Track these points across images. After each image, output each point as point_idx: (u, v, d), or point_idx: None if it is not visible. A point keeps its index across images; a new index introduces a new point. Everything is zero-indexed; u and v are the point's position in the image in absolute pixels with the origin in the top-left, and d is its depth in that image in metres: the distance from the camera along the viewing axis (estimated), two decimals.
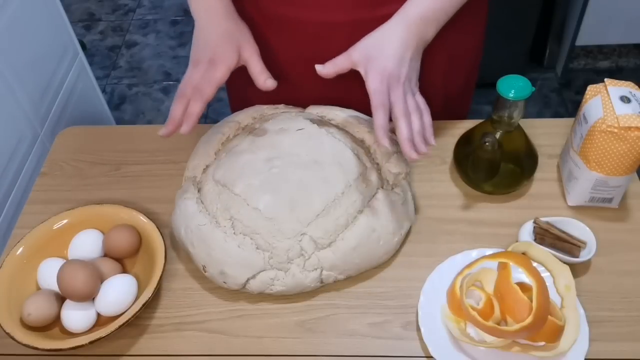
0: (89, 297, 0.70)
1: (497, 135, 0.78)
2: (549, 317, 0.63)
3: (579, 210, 0.81)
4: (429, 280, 0.73)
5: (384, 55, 0.72)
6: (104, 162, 0.92)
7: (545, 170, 0.85)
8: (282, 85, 0.81)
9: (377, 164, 0.81)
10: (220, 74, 0.77)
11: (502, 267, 0.66)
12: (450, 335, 0.68)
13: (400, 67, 0.72)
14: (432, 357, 0.67)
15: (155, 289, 0.70)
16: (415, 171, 0.86)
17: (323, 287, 0.75)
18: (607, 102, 0.73)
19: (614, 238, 0.78)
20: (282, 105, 0.88)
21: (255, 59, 0.80)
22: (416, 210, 0.82)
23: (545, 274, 0.66)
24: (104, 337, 0.67)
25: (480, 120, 0.84)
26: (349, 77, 0.75)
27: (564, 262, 0.68)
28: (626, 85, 0.75)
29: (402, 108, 0.70)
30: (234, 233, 0.73)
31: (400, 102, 0.70)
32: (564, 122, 0.90)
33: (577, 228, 0.76)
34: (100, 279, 0.72)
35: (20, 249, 0.75)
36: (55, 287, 0.71)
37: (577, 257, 0.74)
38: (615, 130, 0.72)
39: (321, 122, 0.82)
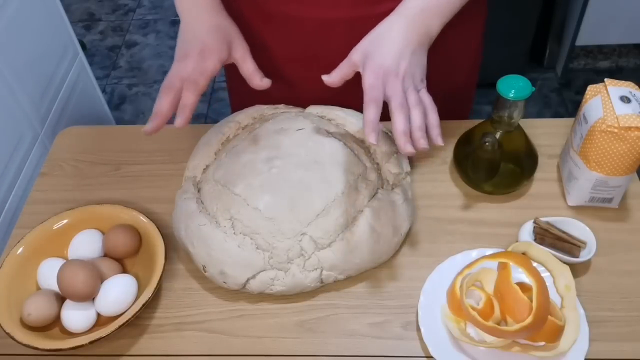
0: (89, 297, 0.70)
1: (497, 135, 0.78)
2: (549, 317, 0.63)
3: (579, 210, 0.81)
4: (429, 280, 0.73)
5: (382, 52, 0.69)
6: (104, 162, 0.92)
7: (545, 170, 0.85)
8: (282, 84, 0.81)
9: (377, 164, 0.81)
10: (212, 65, 0.75)
11: (502, 267, 0.66)
12: (450, 335, 0.68)
13: (399, 62, 0.69)
14: (432, 357, 0.67)
15: (155, 289, 0.70)
16: (415, 171, 0.86)
17: (323, 287, 0.75)
18: (607, 102, 0.73)
19: (614, 238, 0.78)
20: (282, 105, 0.88)
21: (248, 58, 0.78)
22: (416, 210, 0.82)
23: (545, 274, 0.66)
24: (104, 337, 0.67)
25: (480, 120, 0.84)
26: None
27: (564, 262, 0.68)
28: (626, 85, 0.75)
29: (400, 102, 0.66)
30: (234, 233, 0.73)
31: (398, 96, 0.66)
32: (564, 122, 0.90)
33: (577, 228, 0.76)
34: (100, 279, 0.72)
35: (20, 249, 0.75)
36: (55, 287, 0.71)
37: (577, 257, 0.74)
38: (615, 130, 0.72)
39: (321, 122, 0.82)
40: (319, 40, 0.82)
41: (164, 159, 0.91)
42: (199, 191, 0.79)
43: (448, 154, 0.87)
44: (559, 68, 2.21)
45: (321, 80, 0.75)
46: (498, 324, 0.65)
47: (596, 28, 2.05)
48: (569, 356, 0.66)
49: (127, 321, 0.68)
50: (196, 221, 0.74)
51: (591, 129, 0.74)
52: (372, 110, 0.66)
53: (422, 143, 0.66)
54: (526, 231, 0.76)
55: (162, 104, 0.72)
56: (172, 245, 0.80)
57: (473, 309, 0.65)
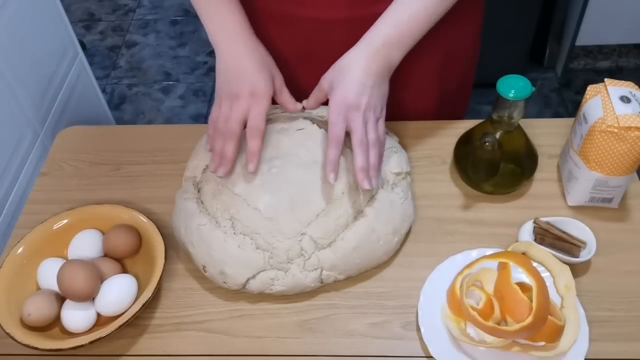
0: (89, 297, 0.70)
1: (497, 135, 0.78)
2: (549, 317, 0.63)
3: (579, 210, 0.81)
4: (429, 280, 0.73)
5: (345, 85, 0.72)
6: (104, 162, 0.92)
7: (545, 170, 0.85)
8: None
9: None
10: (266, 105, 0.76)
11: (502, 267, 0.66)
12: (450, 335, 0.68)
13: (361, 96, 0.71)
14: (432, 357, 0.67)
15: (155, 289, 0.70)
16: (415, 171, 0.86)
17: (323, 287, 0.75)
18: (607, 102, 0.73)
19: (614, 238, 0.78)
20: None
21: (285, 89, 0.80)
22: (416, 210, 0.82)
23: (545, 274, 0.66)
24: (104, 337, 0.67)
25: (480, 120, 0.84)
26: None
27: (564, 262, 0.68)
28: (626, 85, 0.75)
29: (360, 138, 0.70)
30: (234, 233, 0.73)
31: (359, 132, 0.71)
32: (564, 122, 0.90)
33: (577, 228, 0.76)
34: (100, 279, 0.72)
35: (20, 249, 0.75)
36: (55, 287, 0.71)
37: (577, 257, 0.74)
38: (615, 130, 0.72)
39: (321, 122, 0.82)
40: (316, 40, 0.83)
41: (164, 159, 0.91)
42: (199, 191, 0.79)
43: (448, 154, 0.87)
44: (559, 68, 2.21)
45: (319, 80, 0.76)
46: (498, 324, 0.65)
47: (596, 28, 2.05)
48: (569, 356, 0.66)
49: (127, 321, 0.68)
50: (196, 221, 0.74)
51: (591, 129, 0.74)
52: (333, 151, 0.71)
53: (374, 183, 0.72)
54: (526, 231, 0.76)
55: (230, 150, 0.75)
56: (172, 245, 0.80)
57: (473, 309, 0.65)
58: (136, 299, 0.70)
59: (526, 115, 0.78)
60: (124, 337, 0.72)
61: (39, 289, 0.74)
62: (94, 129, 1.02)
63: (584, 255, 0.74)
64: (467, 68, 0.96)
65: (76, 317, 0.70)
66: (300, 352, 0.70)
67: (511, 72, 0.76)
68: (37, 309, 0.70)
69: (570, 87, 2.18)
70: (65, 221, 0.78)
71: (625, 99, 0.73)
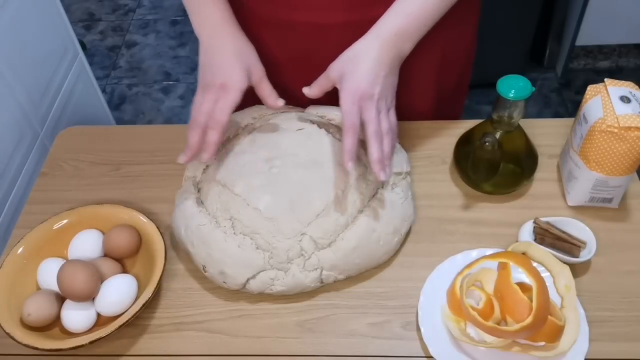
0: (89, 297, 0.70)
1: (497, 135, 0.78)
2: (549, 317, 0.63)
3: (579, 210, 0.81)
4: (429, 280, 0.73)
5: (357, 74, 0.72)
6: (104, 162, 0.92)
7: (545, 170, 0.85)
8: (279, 86, 0.81)
9: None
10: (234, 99, 0.76)
11: (502, 267, 0.66)
12: (450, 335, 0.68)
13: (374, 86, 0.71)
14: (432, 357, 0.67)
15: (155, 289, 0.70)
16: (415, 171, 0.86)
17: (323, 287, 0.75)
18: (607, 102, 0.73)
19: (614, 238, 0.78)
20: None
21: (265, 81, 0.79)
22: (416, 210, 0.82)
23: (545, 274, 0.66)
24: (104, 337, 0.67)
25: (480, 120, 0.84)
26: None
27: (564, 262, 0.68)
28: (626, 85, 0.75)
29: (374, 128, 0.70)
30: (234, 233, 0.73)
31: (373, 122, 0.70)
32: (564, 122, 0.90)
33: (577, 228, 0.76)
34: (100, 279, 0.72)
35: (20, 249, 0.75)
36: (55, 287, 0.71)
37: (577, 257, 0.74)
38: (615, 130, 0.72)
39: (321, 122, 0.82)
40: (312, 44, 0.83)
41: (164, 159, 0.91)
42: (199, 191, 0.79)
43: (448, 154, 0.87)
44: (559, 68, 2.21)
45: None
46: (498, 324, 0.65)
47: (596, 28, 2.05)
48: (569, 356, 0.66)
49: (127, 321, 0.68)
50: (196, 221, 0.74)
51: (591, 129, 0.74)
52: (350, 139, 0.70)
53: (388, 172, 0.71)
54: (526, 231, 0.76)
55: (193, 139, 0.75)
56: (172, 245, 0.80)
57: (473, 309, 0.65)
58: (136, 299, 0.70)
59: (526, 115, 0.78)
60: (124, 337, 0.72)
61: (39, 289, 0.74)
62: (94, 129, 1.02)
63: (584, 255, 0.74)
64: (463, 68, 0.96)
65: (76, 317, 0.70)
66: (300, 352, 0.70)
67: (511, 72, 0.76)
68: (37, 309, 0.70)
69: (570, 87, 2.18)
70: (65, 221, 0.78)
71: (625, 99, 0.73)
